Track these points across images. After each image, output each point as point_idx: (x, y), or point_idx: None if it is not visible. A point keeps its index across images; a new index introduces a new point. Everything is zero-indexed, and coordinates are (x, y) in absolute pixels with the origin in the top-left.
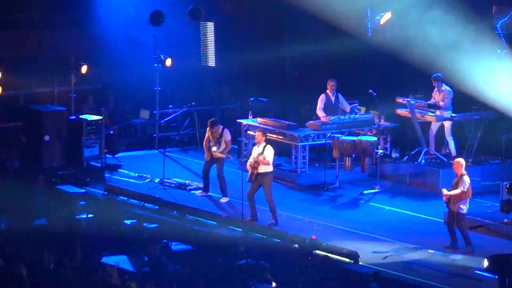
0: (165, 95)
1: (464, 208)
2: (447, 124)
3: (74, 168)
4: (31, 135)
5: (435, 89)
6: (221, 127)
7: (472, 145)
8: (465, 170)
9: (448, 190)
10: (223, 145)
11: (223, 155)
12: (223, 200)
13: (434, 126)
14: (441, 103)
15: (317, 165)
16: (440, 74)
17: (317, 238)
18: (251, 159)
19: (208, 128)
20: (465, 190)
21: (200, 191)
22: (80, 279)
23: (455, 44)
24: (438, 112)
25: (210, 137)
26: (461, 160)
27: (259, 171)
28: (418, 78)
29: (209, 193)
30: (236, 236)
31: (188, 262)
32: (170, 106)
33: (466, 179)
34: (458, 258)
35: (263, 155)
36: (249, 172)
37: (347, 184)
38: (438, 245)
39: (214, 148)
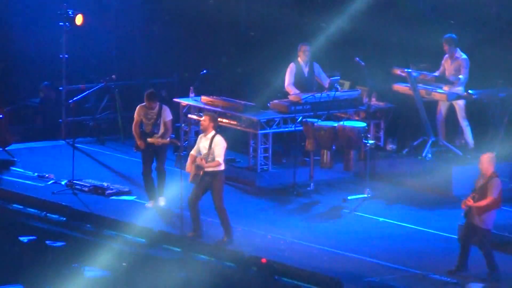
0: (74, 65)
1: (491, 222)
2: (460, 104)
3: None
4: None
5: (446, 55)
6: (158, 104)
7: (497, 133)
8: None
9: (472, 197)
10: (162, 128)
11: (165, 141)
12: (162, 202)
13: (444, 108)
14: (455, 76)
15: (284, 161)
16: (454, 36)
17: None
18: (193, 152)
19: (139, 106)
20: (497, 197)
21: (148, 202)
22: None
23: None
24: (448, 88)
25: (143, 118)
26: (491, 155)
27: (206, 170)
28: (422, 40)
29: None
30: (172, 258)
31: None
32: (81, 80)
33: (498, 182)
34: None
35: (210, 152)
36: (192, 171)
37: (326, 186)
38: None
39: (151, 139)
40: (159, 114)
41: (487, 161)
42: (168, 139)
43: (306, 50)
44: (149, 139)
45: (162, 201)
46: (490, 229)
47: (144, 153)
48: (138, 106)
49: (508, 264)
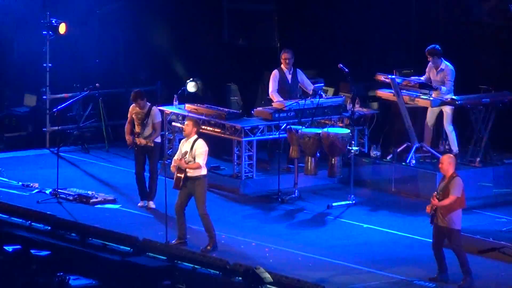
0: (58, 74)
1: (458, 221)
2: (447, 110)
3: None
4: None
5: (430, 64)
6: (148, 104)
7: (481, 139)
8: (468, 171)
9: (437, 198)
10: (149, 130)
11: (148, 142)
12: (151, 205)
13: (430, 114)
14: (442, 87)
15: (268, 168)
16: (438, 47)
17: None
18: (176, 157)
19: (132, 105)
20: (460, 195)
21: (140, 202)
22: None
23: None
24: (434, 94)
25: (134, 117)
26: (450, 156)
27: (189, 174)
28: (406, 46)
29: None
30: (158, 266)
31: None
32: (65, 89)
33: (460, 181)
34: None
35: (191, 154)
36: (175, 176)
37: (310, 193)
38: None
39: (140, 140)
40: (147, 115)
41: (447, 162)
42: (152, 140)
43: (287, 58)
44: (136, 139)
45: (152, 205)
46: (459, 229)
47: (136, 152)
48: (131, 105)
49: (492, 268)
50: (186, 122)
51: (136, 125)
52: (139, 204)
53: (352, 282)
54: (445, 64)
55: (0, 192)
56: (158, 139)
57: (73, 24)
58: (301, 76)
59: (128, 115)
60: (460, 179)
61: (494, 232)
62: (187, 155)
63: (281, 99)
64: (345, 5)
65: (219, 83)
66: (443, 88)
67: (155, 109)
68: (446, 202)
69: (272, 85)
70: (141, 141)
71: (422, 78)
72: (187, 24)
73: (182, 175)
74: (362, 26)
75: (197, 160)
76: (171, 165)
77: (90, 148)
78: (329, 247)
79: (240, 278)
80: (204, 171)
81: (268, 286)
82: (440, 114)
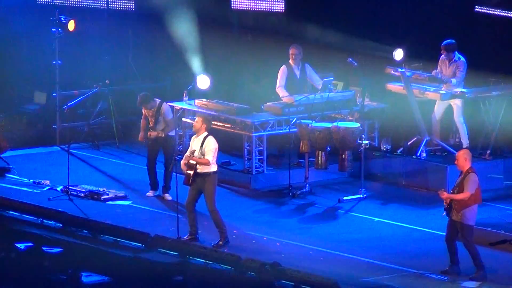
0: (68, 71)
1: (472, 217)
2: (457, 103)
3: None
4: None
5: (443, 57)
6: (157, 101)
7: (491, 132)
8: (478, 164)
9: (450, 193)
10: (162, 125)
11: (159, 133)
12: (167, 197)
13: (439, 107)
14: (452, 79)
15: (279, 163)
16: (454, 42)
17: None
18: (188, 154)
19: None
20: (474, 192)
21: (149, 191)
22: None
23: None
24: (444, 87)
25: (147, 114)
26: (466, 152)
27: (198, 171)
28: (416, 39)
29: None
30: (170, 262)
31: None
32: (75, 86)
33: (474, 177)
34: (470, 286)
35: (201, 152)
36: (185, 172)
37: (321, 188)
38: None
39: (151, 133)
40: (158, 112)
41: (463, 158)
42: (168, 134)
43: (294, 53)
44: (148, 133)
45: (168, 197)
46: (472, 224)
47: (149, 145)
48: None
49: (503, 261)
50: (196, 119)
51: (150, 121)
52: (147, 193)
53: (363, 275)
54: (458, 56)
55: (12, 190)
56: (172, 133)
57: (82, 21)
58: (310, 71)
59: (143, 112)
60: (475, 175)
61: (505, 224)
62: (195, 153)
63: (287, 94)
64: None
65: (229, 78)
66: (453, 81)
67: (164, 106)
68: (458, 196)
69: (280, 80)
70: (152, 133)
71: (433, 72)
72: (197, 19)
73: (192, 172)
74: (372, 19)
75: (206, 157)
76: (181, 162)
77: (101, 144)
78: (340, 241)
79: (253, 273)
80: (214, 168)
81: (281, 281)
82: (448, 108)
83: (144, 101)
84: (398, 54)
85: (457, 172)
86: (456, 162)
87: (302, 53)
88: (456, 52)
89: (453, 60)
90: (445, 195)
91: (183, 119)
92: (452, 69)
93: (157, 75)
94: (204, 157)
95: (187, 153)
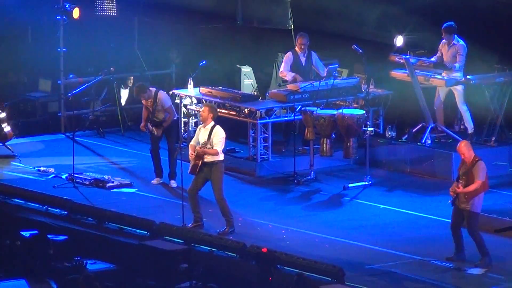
0: (73, 58)
1: (479, 205)
2: (459, 89)
3: None
4: None
5: (443, 41)
6: (153, 90)
7: (496, 118)
8: (483, 151)
9: (457, 183)
10: (161, 114)
11: (158, 131)
12: (173, 184)
13: (443, 93)
14: (452, 64)
15: (283, 150)
16: (453, 24)
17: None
18: (193, 143)
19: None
20: (484, 180)
21: (154, 179)
22: None
23: None
24: (446, 74)
25: (147, 106)
26: (465, 143)
27: (206, 160)
28: (419, 25)
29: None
30: (175, 249)
31: (110, 286)
32: (80, 74)
33: (483, 165)
34: (475, 273)
35: (209, 143)
36: (191, 162)
37: (326, 175)
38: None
39: (155, 130)
40: (155, 102)
41: (465, 148)
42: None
43: (302, 43)
44: (150, 127)
45: (173, 184)
46: (478, 212)
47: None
48: None
49: (509, 248)
50: (202, 108)
51: (149, 112)
52: (153, 181)
53: (368, 262)
54: (457, 39)
55: (17, 178)
56: (175, 118)
57: (87, 7)
58: (315, 59)
59: (142, 101)
60: (483, 162)
61: (510, 211)
62: (205, 142)
63: (292, 74)
64: None
65: (233, 66)
66: (457, 65)
67: (160, 94)
68: (471, 188)
69: (284, 66)
70: (157, 130)
71: (433, 58)
72: (202, 6)
73: (200, 162)
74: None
75: (215, 147)
76: (189, 153)
77: (106, 132)
78: (346, 228)
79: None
80: (221, 157)
81: (285, 267)
82: (450, 94)
83: (140, 92)
84: (399, 40)
85: None
86: (462, 156)
87: (309, 42)
88: (455, 35)
89: (452, 43)
90: (460, 189)
91: (188, 107)
92: (452, 52)
93: (161, 61)
94: (212, 147)
95: (192, 142)
